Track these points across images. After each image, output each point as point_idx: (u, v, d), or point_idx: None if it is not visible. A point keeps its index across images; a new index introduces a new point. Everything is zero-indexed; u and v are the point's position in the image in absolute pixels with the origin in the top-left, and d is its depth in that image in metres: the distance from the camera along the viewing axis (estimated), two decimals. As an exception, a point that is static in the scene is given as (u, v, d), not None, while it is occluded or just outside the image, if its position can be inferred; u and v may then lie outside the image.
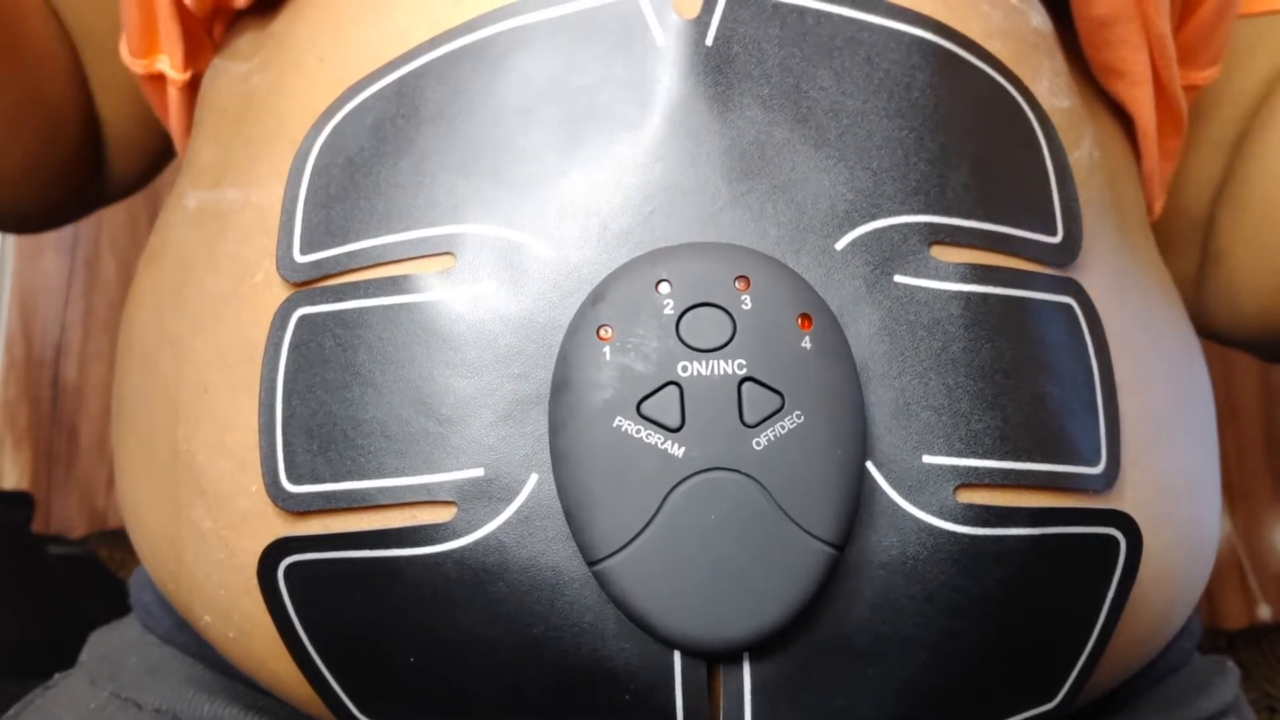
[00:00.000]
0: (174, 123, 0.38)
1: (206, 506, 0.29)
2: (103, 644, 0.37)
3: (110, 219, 0.75)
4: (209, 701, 0.33)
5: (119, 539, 0.72)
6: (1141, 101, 0.35)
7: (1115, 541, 0.27)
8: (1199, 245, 0.43)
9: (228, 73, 0.34)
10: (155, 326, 0.33)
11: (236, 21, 0.35)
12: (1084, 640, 0.28)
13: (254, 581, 0.27)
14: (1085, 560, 0.27)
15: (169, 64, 0.37)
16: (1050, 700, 0.28)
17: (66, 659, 0.38)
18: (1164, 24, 0.33)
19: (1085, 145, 0.32)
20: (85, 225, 0.75)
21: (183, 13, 0.35)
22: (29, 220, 0.48)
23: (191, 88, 0.37)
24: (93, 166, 0.47)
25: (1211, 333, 0.44)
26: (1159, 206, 0.39)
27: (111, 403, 0.36)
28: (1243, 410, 0.73)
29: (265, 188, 0.30)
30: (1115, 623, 0.28)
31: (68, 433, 0.71)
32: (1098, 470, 0.28)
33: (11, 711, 0.36)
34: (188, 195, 0.34)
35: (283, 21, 0.33)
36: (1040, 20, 0.33)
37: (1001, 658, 0.27)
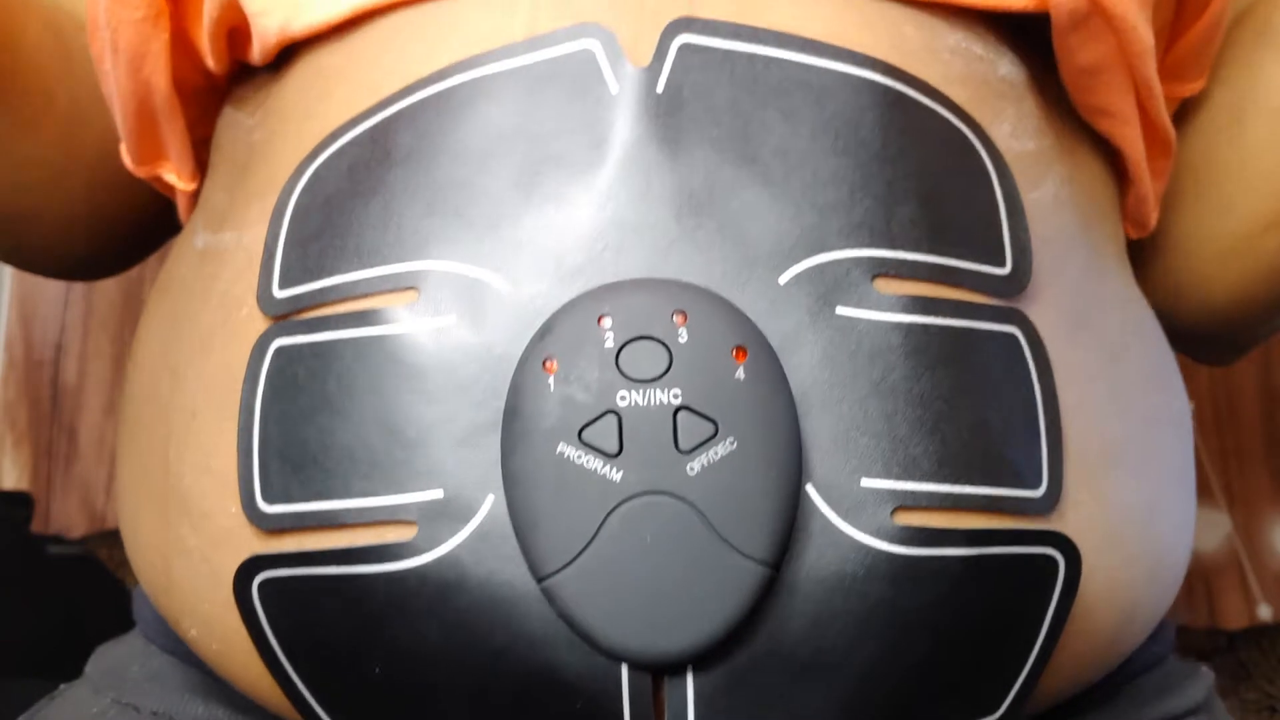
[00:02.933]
0: (182, 207, 0.39)
1: (191, 525, 0.31)
2: (107, 657, 0.38)
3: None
4: (203, 704, 0.34)
5: (119, 539, 0.70)
6: (1130, 139, 0.35)
7: (1054, 561, 0.28)
8: None
9: (237, 124, 0.36)
10: (158, 353, 0.34)
11: (244, 73, 0.36)
12: (1025, 654, 0.28)
13: (233, 596, 0.29)
14: (1023, 579, 0.28)
15: (176, 178, 0.38)
16: (993, 712, 0.29)
17: (66, 659, 0.39)
18: (1149, 70, 0.33)
19: (1049, 185, 0.33)
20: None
21: (193, 135, 0.37)
22: (96, 268, 0.49)
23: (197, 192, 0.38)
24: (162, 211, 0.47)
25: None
26: (1154, 220, 0.39)
27: (117, 421, 0.38)
28: (1242, 412, 0.72)
29: (255, 229, 0.32)
30: (1057, 638, 0.29)
31: (67, 433, 0.71)
32: (1038, 494, 0.29)
33: None
34: (197, 235, 0.35)
35: (279, 82, 0.34)
36: (1009, 69, 0.33)
37: (942, 671, 0.28)
